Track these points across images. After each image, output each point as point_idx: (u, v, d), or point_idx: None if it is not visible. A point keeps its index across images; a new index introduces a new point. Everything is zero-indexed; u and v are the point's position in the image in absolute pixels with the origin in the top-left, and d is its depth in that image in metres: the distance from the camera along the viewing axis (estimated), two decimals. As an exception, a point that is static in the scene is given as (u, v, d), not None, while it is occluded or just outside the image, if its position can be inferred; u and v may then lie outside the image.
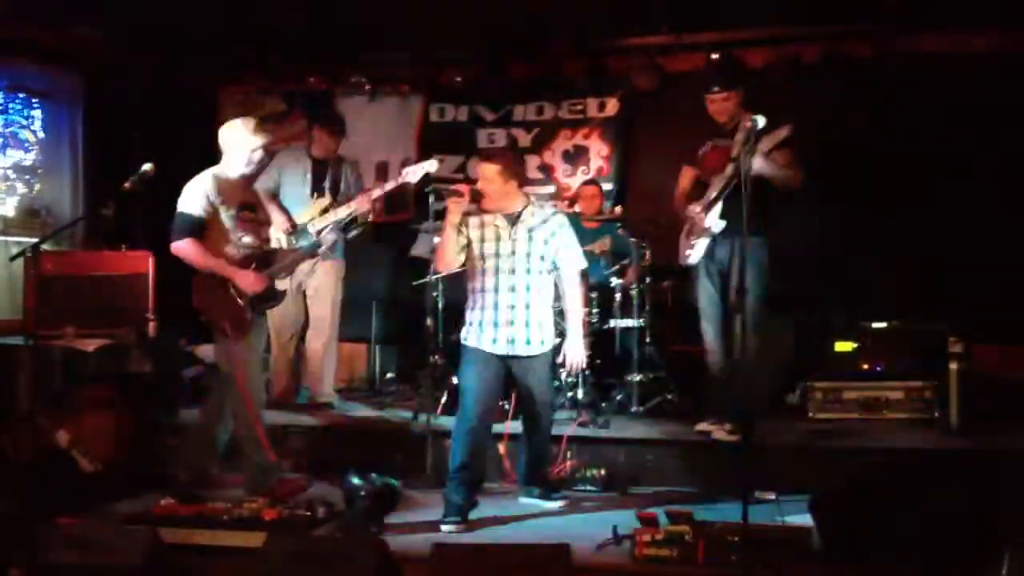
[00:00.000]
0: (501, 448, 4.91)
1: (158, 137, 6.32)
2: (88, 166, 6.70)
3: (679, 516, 3.82)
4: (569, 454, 4.96)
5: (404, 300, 6.57)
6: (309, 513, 4.08)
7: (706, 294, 5.09)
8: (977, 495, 3.79)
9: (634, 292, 5.76)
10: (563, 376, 5.45)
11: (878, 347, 5.38)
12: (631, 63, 6.72)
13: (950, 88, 5.97)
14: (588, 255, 5.91)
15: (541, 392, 4.52)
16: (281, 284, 4.89)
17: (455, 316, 4.81)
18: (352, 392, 6.58)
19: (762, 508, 4.05)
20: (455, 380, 5.10)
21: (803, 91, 6.22)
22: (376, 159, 7.32)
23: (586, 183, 6.64)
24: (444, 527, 4.21)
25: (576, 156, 7.10)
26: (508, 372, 4.45)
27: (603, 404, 5.55)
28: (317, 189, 5.78)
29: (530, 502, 4.64)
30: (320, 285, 5.82)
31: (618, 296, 5.78)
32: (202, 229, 4.44)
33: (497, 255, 4.38)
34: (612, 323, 5.78)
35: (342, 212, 5.56)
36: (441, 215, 4.62)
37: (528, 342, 4.40)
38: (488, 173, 4.37)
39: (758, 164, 4.59)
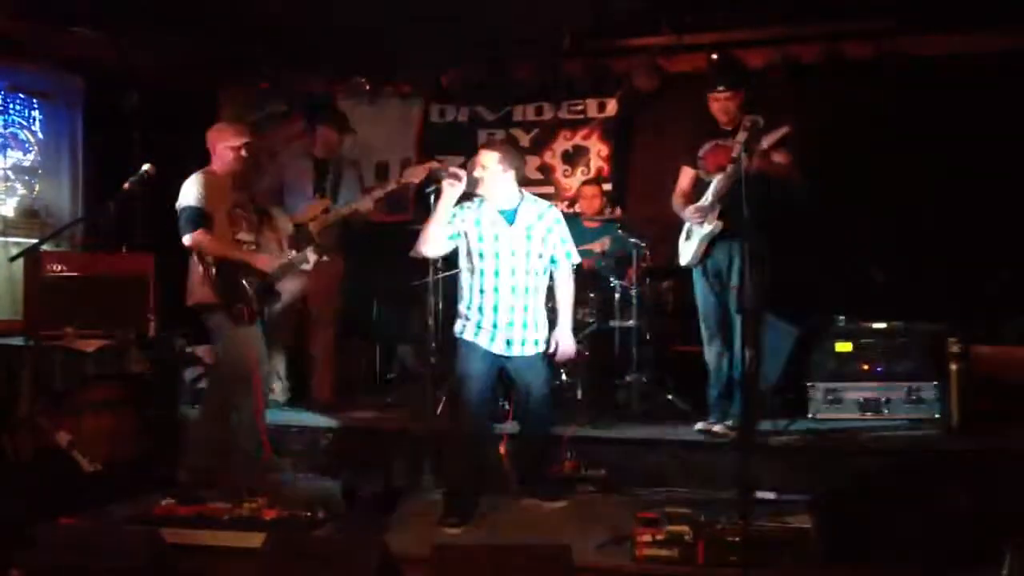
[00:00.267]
0: (501, 448, 4.91)
1: (158, 138, 6.32)
2: (88, 167, 6.70)
3: (679, 516, 3.82)
4: (569, 454, 4.96)
5: (404, 300, 6.56)
6: (309, 513, 4.08)
7: (706, 295, 5.10)
8: (977, 495, 3.79)
9: (634, 292, 5.76)
10: (563, 376, 5.45)
11: (878, 347, 5.37)
12: (631, 63, 6.72)
13: (950, 88, 5.98)
14: (588, 255, 5.95)
15: (539, 389, 4.52)
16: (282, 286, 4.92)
17: (455, 316, 4.80)
18: (352, 392, 6.58)
19: (762, 508, 4.05)
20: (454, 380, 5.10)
21: (803, 91, 6.22)
22: (376, 159, 7.32)
23: (586, 183, 6.65)
24: (444, 527, 4.21)
25: (576, 156, 7.10)
26: (506, 370, 4.45)
27: (603, 404, 5.54)
28: (319, 189, 5.79)
29: (530, 502, 4.64)
30: (320, 284, 5.83)
31: (618, 296, 5.79)
32: (209, 220, 4.50)
33: (496, 255, 4.35)
34: (612, 323, 5.78)
35: (343, 212, 5.57)
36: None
37: (525, 342, 4.40)
38: (487, 161, 4.34)
39: (758, 163, 4.60)
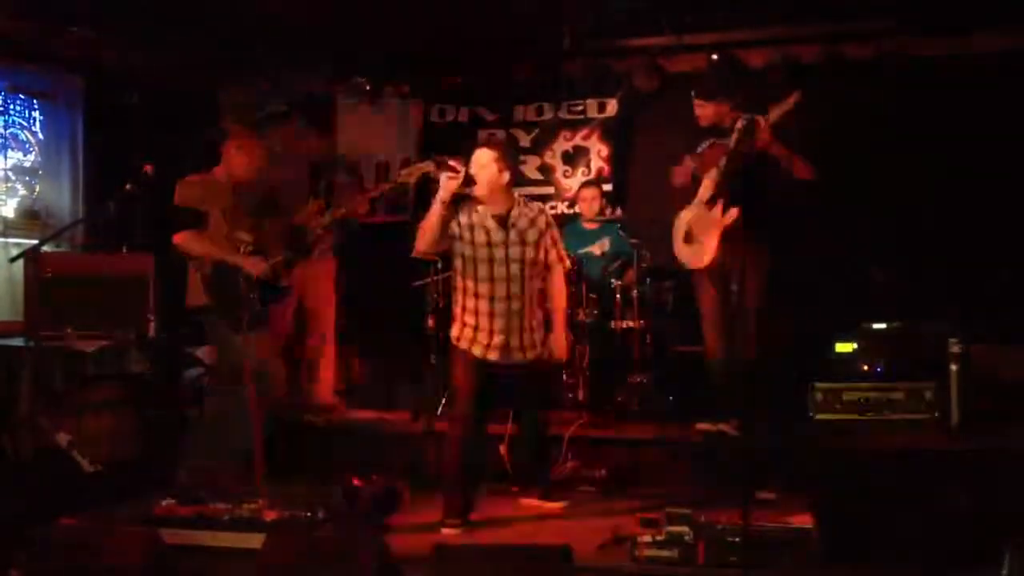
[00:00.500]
0: (501, 448, 4.91)
1: (158, 139, 6.33)
2: (88, 168, 6.71)
3: (679, 516, 3.82)
4: (570, 454, 4.96)
5: (404, 300, 6.56)
6: (309, 514, 4.08)
7: (707, 295, 5.09)
8: (977, 495, 3.79)
9: (634, 293, 5.75)
10: (563, 377, 5.45)
11: (878, 348, 5.37)
12: (631, 63, 6.72)
13: (950, 88, 5.98)
14: (588, 256, 5.95)
15: (539, 390, 4.51)
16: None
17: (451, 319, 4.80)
18: (352, 393, 6.58)
19: (762, 508, 4.05)
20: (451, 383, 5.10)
21: (803, 91, 6.21)
22: (376, 160, 7.31)
23: (586, 185, 6.64)
24: (444, 528, 4.21)
25: (576, 157, 7.10)
26: (503, 373, 4.43)
27: (603, 404, 5.54)
28: (313, 191, 5.80)
29: (530, 502, 4.64)
30: (317, 284, 5.82)
31: (618, 297, 5.78)
32: (201, 221, 4.51)
33: (490, 260, 4.30)
34: (612, 324, 5.78)
35: (338, 214, 5.56)
36: None
37: (522, 348, 4.37)
38: (483, 159, 4.31)
39: (761, 142, 4.58)
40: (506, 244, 4.32)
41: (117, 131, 6.68)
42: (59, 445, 4.74)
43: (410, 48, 6.72)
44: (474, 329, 4.34)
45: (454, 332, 4.42)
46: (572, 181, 7.03)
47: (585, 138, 7.07)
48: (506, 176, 4.34)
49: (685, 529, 3.68)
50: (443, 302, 5.85)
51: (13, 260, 4.74)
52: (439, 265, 5.64)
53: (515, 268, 4.32)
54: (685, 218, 5.07)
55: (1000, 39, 5.96)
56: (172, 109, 6.85)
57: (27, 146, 6.46)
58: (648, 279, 5.86)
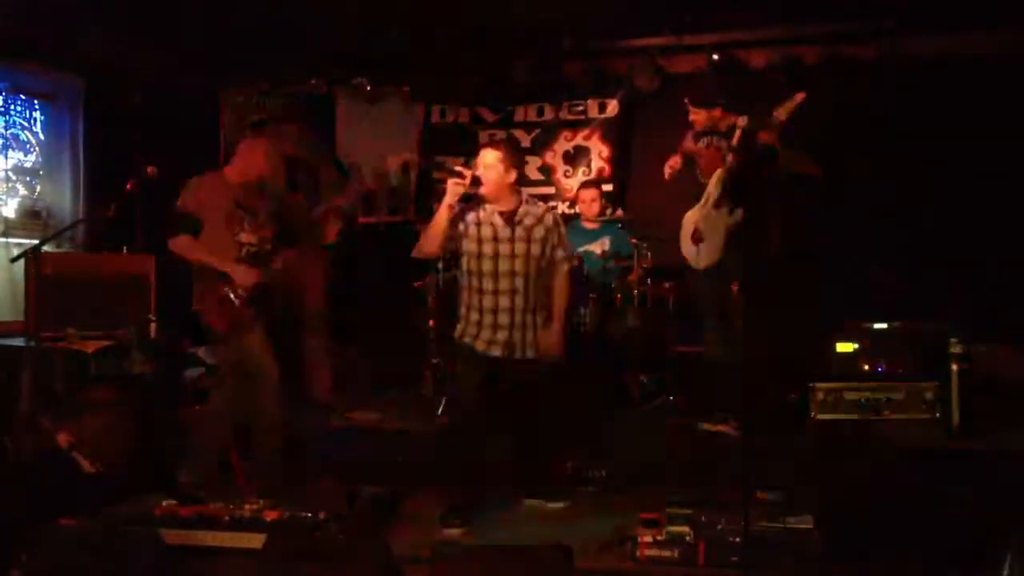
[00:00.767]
0: (501, 449, 4.90)
1: (159, 139, 6.33)
2: (89, 168, 6.71)
3: (679, 516, 3.82)
4: (569, 454, 4.96)
5: (404, 300, 6.56)
6: (310, 514, 4.08)
7: (707, 295, 5.10)
8: (977, 495, 3.79)
9: (635, 293, 5.75)
10: (563, 378, 5.43)
11: (879, 348, 5.36)
12: (632, 64, 6.73)
13: (950, 88, 5.98)
14: (589, 256, 5.95)
15: (538, 392, 4.51)
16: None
17: (456, 316, 4.80)
18: (352, 393, 6.58)
19: (762, 508, 4.05)
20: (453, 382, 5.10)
21: (803, 92, 6.22)
22: (377, 160, 7.32)
23: (586, 185, 6.64)
24: (444, 527, 4.21)
25: (577, 157, 7.10)
26: (506, 371, 4.45)
27: (604, 404, 5.54)
28: (291, 186, 5.79)
29: (530, 502, 4.64)
30: (310, 278, 5.81)
31: (619, 297, 5.78)
32: (197, 226, 4.50)
33: (496, 257, 4.34)
34: (612, 324, 5.78)
35: (321, 211, 5.55)
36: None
37: (526, 346, 4.38)
38: (489, 160, 4.32)
39: (766, 137, 4.59)
40: (512, 241, 4.34)
41: (117, 131, 6.68)
42: (60, 446, 4.73)
43: (410, 48, 6.73)
44: (478, 325, 4.36)
45: (458, 330, 4.44)
46: (573, 181, 7.04)
47: (586, 138, 7.08)
48: (512, 175, 4.37)
49: (685, 529, 3.69)
50: (443, 302, 5.87)
51: (14, 260, 4.73)
52: (439, 265, 5.64)
53: (520, 265, 4.35)
54: (692, 218, 5.07)
55: (1000, 39, 5.97)
56: (173, 109, 6.85)
57: (28, 146, 6.47)
58: (649, 279, 5.86)
